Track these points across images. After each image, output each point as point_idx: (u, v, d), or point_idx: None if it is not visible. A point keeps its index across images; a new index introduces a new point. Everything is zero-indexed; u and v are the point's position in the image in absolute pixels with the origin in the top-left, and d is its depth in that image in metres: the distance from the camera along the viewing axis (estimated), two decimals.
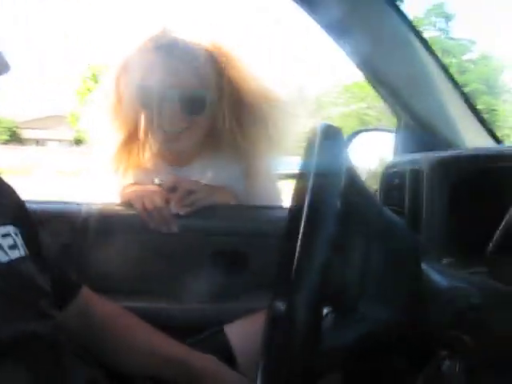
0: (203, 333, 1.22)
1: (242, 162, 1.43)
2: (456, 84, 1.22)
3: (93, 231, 1.29)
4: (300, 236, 0.58)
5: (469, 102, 1.23)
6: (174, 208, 1.29)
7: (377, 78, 1.28)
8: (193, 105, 1.31)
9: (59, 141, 27.70)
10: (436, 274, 0.77)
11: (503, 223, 0.70)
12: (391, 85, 1.25)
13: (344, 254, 0.67)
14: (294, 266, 0.57)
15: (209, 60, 1.31)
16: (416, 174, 1.09)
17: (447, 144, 1.23)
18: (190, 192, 1.32)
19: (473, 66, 24.53)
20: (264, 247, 1.33)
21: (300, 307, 0.56)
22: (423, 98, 1.25)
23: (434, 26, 25.29)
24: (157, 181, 1.38)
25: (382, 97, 1.32)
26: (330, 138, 0.65)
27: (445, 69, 1.21)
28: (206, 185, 1.38)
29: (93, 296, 1.10)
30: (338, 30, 1.25)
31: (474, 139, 1.24)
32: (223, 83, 1.33)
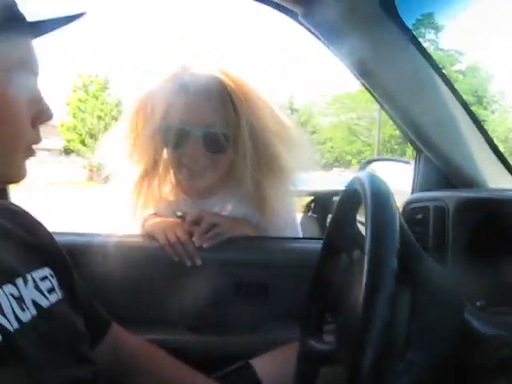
0: (227, 366, 1.22)
1: (258, 193, 1.42)
2: (478, 123, 1.24)
3: (115, 263, 1.29)
4: (364, 295, 0.60)
5: (490, 140, 1.25)
6: (198, 241, 1.31)
7: (399, 114, 1.29)
8: (216, 144, 1.31)
9: (48, 150, 27.48)
10: (476, 321, 0.79)
11: None
12: (413, 121, 1.26)
13: (393, 305, 0.69)
14: (359, 324, 0.59)
15: (225, 94, 1.30)
16: (440, 212, 1.11)
17: (468, 182, 1.24)
18: (214, 225, 1.33)
19: (462, 77, 24.77)
20: (284, 278, 1.34)
21: (367, 366, 0.57)
22: (445, 135, 1.26)
23: (424, 37, 25.47)
24: (179, 213, 1.39)
25: (403, 132, 1.33)
26: (384, 196, 0.67)
27: (467, 106, 1.23)
28: (227, 217, 1.40)
29: (121, 331, 1.10)
30: (356, 65, 1.27)
31: (495, 178, 1.26)
32: (240, 117, 1.32)
